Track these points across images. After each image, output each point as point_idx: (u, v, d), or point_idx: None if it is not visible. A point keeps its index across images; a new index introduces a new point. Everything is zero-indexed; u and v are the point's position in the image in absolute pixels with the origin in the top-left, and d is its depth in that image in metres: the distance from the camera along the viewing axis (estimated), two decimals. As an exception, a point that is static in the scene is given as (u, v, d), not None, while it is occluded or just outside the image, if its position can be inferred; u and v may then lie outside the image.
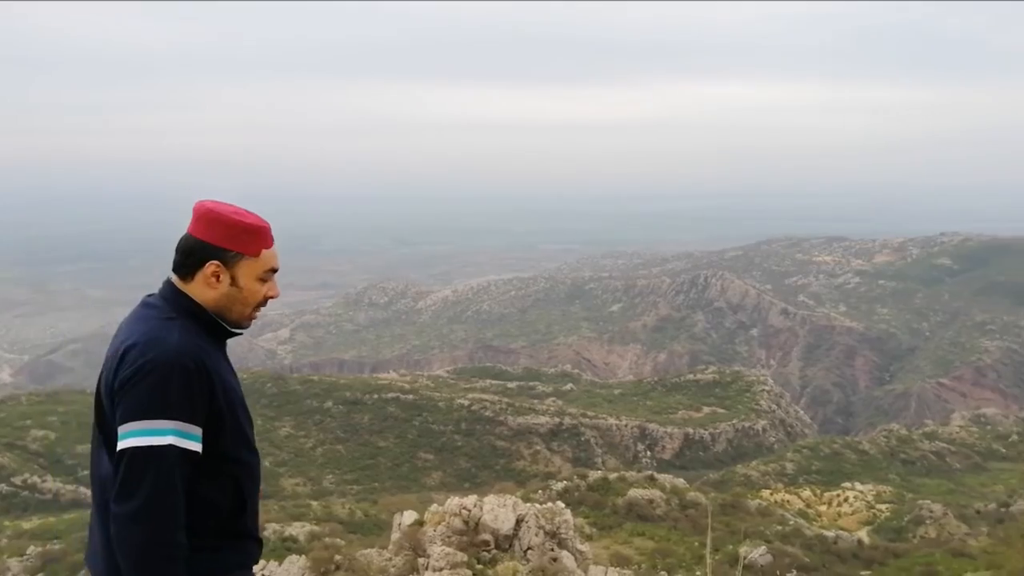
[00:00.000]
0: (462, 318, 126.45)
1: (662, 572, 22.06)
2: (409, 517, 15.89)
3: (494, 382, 64.63)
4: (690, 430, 53.92)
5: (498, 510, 16.53)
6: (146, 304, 2.37)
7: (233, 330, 2.43)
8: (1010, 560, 15.16)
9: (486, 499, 17.20)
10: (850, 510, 35.98)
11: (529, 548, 16.52)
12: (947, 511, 33.53)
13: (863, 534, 31.12)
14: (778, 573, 21.74)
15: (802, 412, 70.47)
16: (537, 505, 17.52)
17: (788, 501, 36.24)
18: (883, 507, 35.91)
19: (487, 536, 16.00)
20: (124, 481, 2.13)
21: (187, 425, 2.18)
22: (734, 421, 55.53)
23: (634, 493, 29.74)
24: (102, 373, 2.31)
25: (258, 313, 2.45)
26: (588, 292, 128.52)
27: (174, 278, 2.38)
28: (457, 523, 15.81)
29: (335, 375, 71.41)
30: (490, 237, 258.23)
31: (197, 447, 2.20)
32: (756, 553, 27.04)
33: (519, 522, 16.65)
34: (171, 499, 2.15)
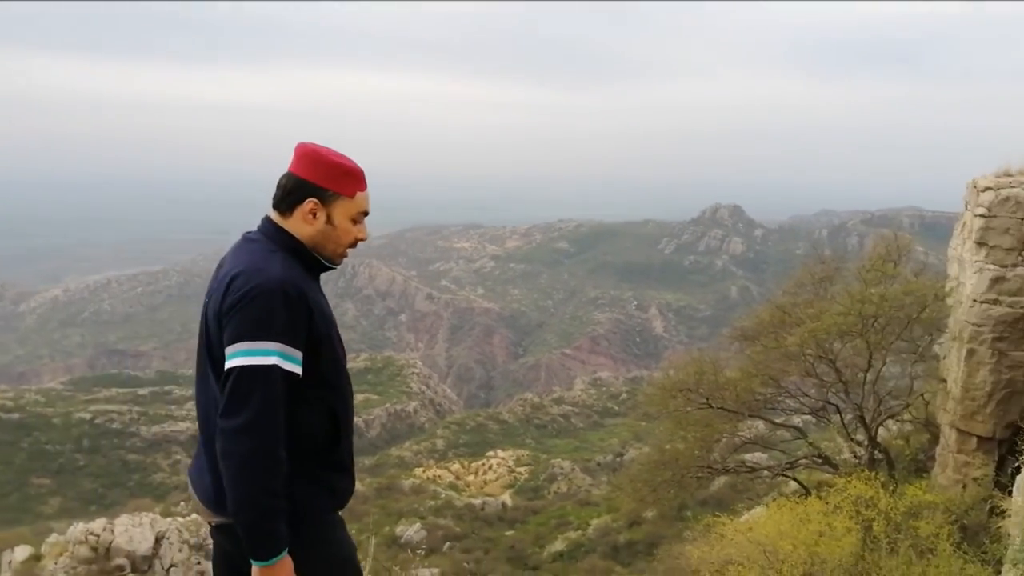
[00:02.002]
0: (77, 321, 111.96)
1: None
2: (22, 552, 14.03)
3: (122, 390, 58.11)
4: (344, 419, 53.85)
5: (133, 530, 14.95)
6: (248, 239, 2.50)
7: (328, 264, 2.54)
8: (624, 503, 17.42)
9: (118, 520, 15.47)
10: (494, 477, 38.84)
11: (172, 566, 15.26)
12: (575, 467, 37.86)
13: (506, 497, 33.77)
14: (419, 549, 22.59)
15: (449, 390, 74.46)
16: (180, 519, 16.19)
17: (440, 476, 37.96)
18: (522, 470, 39.35)
19: (122, 560, 14.42)
20: (231, 397, 2.25)
21: (289, 348, 2.29)
22: (387, 405, 56.68)
23: (289, 490, 28.92)
24: (207, 302, 2.44)
25: (348, 253, 2.57)
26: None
27: (273, 214, 2.51)
28: (84, 551, 13.99)
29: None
30: (105, 228, 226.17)
31: (297, 370, 2.31)
32: (411, 530, 27.94)
33: (159, 540, 15.24)
34: (275, 416, 2.25)
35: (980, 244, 10.54)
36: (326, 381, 2.43)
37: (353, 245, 2.56)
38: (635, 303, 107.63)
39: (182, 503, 27.04)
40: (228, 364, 2.27)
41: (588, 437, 51.03)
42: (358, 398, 57.96)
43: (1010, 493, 7.40)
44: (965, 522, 9.48)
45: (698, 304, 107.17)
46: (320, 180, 2.44)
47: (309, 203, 2.44)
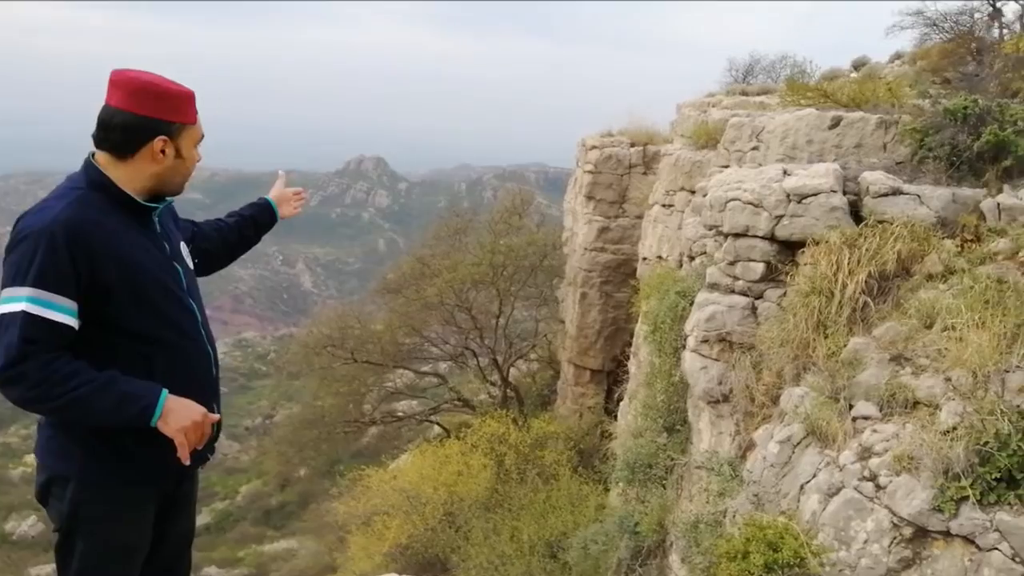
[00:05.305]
0: None
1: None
2: None
3: None
4: (-75, 408, 45.22)
5: None
6: (68, 177, 2.34)
7: (148, 204, 2.35)
8: (272, 465, 16.96)
9: None
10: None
11: None
12: (220, 433, 35.93)
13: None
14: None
15: (68, 363, 65.94)
16: None
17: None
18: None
19: None
20: None
21: (45, 293, 2.11)
22: (-16, 388, 48.68)
23: None
24: None
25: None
26: None
27: (100, 156, 2.29)
28: None
29: None
30: None
31: (59, 317, 2.12)
32: (25, 525, 24.96)
33: None
34: (27, 364, 2.08)
35: (589, 198, 11.79)
36: (137, 334, 2.24)
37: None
38: (281, 258, 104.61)
39: None
40: None
41: (235, 401, 48.72)
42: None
43: (616, 418, 8.42)
44: (582, 447, 10.70)
45: (347, 258, 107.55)
46: (165, 114, 2.25)
47: (159, 142, 2.25)
